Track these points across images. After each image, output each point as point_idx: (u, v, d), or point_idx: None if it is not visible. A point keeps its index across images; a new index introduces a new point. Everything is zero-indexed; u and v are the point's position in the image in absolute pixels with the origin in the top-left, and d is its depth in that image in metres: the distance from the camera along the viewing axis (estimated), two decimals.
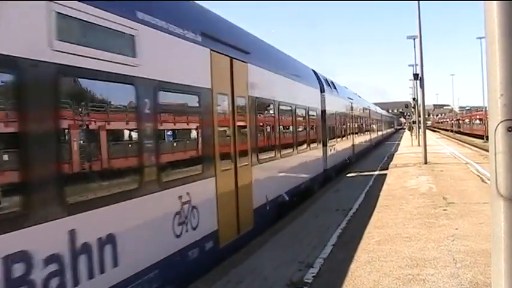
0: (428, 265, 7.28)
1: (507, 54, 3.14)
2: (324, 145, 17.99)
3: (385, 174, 19.82)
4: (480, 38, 51.90)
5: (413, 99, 47.00)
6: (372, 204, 12.87)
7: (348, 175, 20.87)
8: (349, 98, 27.65)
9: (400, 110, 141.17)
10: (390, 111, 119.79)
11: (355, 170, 22.98)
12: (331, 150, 19.13)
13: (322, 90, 18.34)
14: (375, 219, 10.90)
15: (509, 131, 3.12)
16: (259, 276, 7.16)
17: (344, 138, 23.77)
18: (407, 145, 42.87)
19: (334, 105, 21.11)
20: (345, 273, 7.10)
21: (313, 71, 18.85)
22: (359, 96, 38.93)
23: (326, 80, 20.34)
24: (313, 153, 16.10)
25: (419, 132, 36.01)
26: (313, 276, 7.06)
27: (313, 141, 16.24)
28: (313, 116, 16.54)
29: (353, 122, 28.02)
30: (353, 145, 26.88)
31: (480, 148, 36.50)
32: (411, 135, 47.75)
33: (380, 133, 54.43)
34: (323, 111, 18.21)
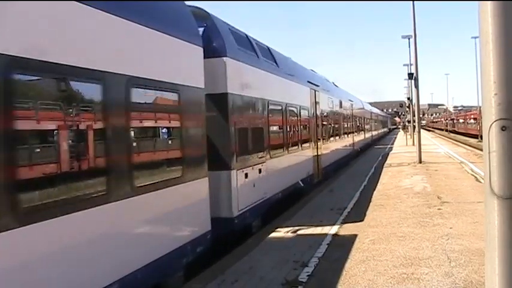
0: (422, 264, 7.30)
1: (501, 53, 3.15)
2: (226, 168, 9.00)
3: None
4: (475, 37, 52.14)
5: (408, 98, 47.15)
6: (367, 204, 12.89)
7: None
8: (311, 84, 17.08)
9: (395, 110, 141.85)
10: (385, 110, 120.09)
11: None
12: (248, 176, 9.77)
13: (214, 52, 8.99)
14: (369, 219, 10.92)
15: (503, 130, 3.13)
16: (254, 276, 7.16)
17: (296, 148, 14.08)
18: (402, 144, 43.00)
19: (264, 89, 11.31)
20: (340, 272, 7.12)
21: (195, 8, 9.14)
22: (336, 85, 27.50)
23: (237, 36, 10.47)
24: (166, 194, 6.56)
25: (414, 131, 36.13)
26: (308, 276, 7.06)
27: (172, 165, 7.01)
28: (175, 105, 7.12)
29: (319, 120, 17.76)
30: (317, 156, 17.04)
31: (474, 147, 36.63)
32: (405, 135, 47.85)
33: (369, 135, 43.77)
34: (221, 97, 9.05)
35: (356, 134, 31.83)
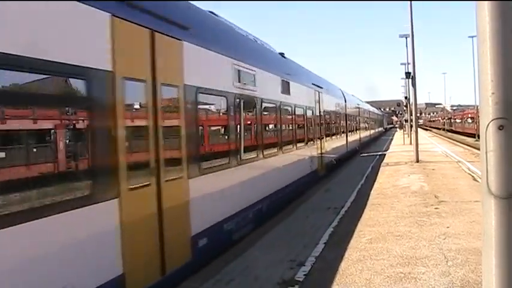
0: (419, 263, 7.29)
1: (498, 52, 3.13)
2: None
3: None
4: (472, 36, 52.42)
5: (406, 97, 47.22)
6: (364, 203, 12.88)
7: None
8: (170, 24, 6.73)
9: (392, 109, 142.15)
10: (382, 109, 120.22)
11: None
12: None
13: None
14: (366, 218, 10.91)
15: (501, 129, 3.11)
16: (250, 275, 7.13)
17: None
18: (399, 143, 43.04)
19: None
20: (337, 271, 7.09)
21: None
22: (284, 57, 16.23)
23: None
24: None
25: (411, 130, 36.08)
26: (304, 275, 7.04)
27: None
28: None
29: (191, 118, 7.30)
30: (195, 205, 7.22)
31: (472, 147, 36.67)
32: (403, 134, 47.85)
33: (355, 138, 33.81)
34: None
35: (330, 138, 22.01)
